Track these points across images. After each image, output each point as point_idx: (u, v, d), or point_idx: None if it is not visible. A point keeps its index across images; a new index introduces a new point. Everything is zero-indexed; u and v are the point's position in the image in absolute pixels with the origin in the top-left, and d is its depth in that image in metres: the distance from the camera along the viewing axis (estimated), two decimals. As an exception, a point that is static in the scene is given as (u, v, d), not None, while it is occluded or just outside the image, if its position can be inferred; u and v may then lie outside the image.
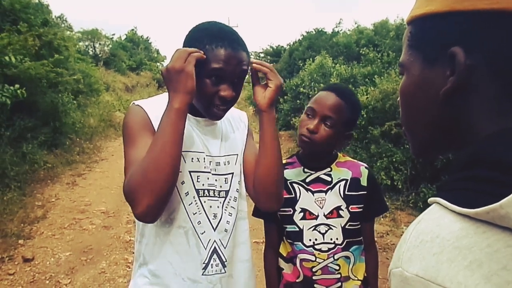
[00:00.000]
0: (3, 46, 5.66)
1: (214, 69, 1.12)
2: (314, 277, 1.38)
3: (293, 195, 1.41)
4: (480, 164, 0.47)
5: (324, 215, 1.38)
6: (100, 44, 19.12)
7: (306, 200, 1.40)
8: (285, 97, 11.10)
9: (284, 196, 1.39)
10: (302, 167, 1.44)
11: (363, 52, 9.82)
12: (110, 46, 19.86)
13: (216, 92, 1.15)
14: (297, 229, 1.39)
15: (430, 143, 0.60)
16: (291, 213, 1.40)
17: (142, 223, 1.22)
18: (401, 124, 0.65)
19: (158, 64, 27.13)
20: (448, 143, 0.58)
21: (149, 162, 1.03)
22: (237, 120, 1.40)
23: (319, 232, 1.38)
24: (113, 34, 21.60)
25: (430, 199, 0.51)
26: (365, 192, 1.41)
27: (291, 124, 9.80)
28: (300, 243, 1.39)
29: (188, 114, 1.19)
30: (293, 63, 13.42)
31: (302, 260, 1.40)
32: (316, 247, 1.37)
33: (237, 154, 1.32)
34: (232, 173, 1.28)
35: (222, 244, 1.24)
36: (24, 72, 6.02)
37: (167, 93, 1.28)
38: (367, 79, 7.93)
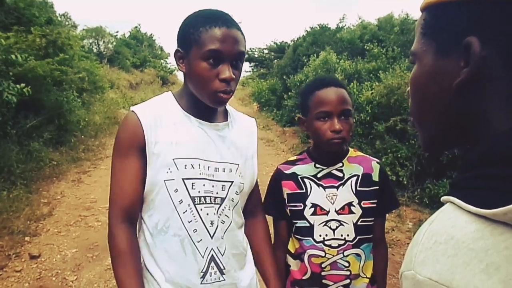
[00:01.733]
0: (9, 46, 5.68)
1: (211, 50, 1.09)
2: (322, 273, 1.37)
3: (304, 190, 1.39)
4: (496, 161, 0.44)
5: (335, 210, 1.37)
6: (104, 41, 19.15)
7: (317, 195, 1.38)
8: (289, 93, 11.09)
9: (295, 191, 1.40)
10: (314, 163, 1.42)
11: (368, 48, 9.76)
12: (114, 43, 19.90)
13: (215, 75, 1.11)
14: (308, 225, 1.38)
15: (439, 136, 0.58)
16: (302, 208, 1.39)
17: (139, 229, 1.24)
18: (410, 115, 0.63)
19: (162, 61, 27.15)
20: (457, 137, 0.56)
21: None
22: (245, 130, 1.35)
23: (330, 228, 1.36)
24: (117, 32, 21.74)
25: (444, 198, 0.49)
26: (377, 187, 1.40)
27: (295, 120, 9.77)
28: (310, 238, 1.38)
29: (187, 114, 1.20)
30: (297, 59, 13.37)
31: (311, 256, 1.39)
32: (326, 243, 1.36)
33: (239, 164, 1.27)
34: (232, 182, 1.24)
35: (220, 252, 1.22)
36: (30, 70, 6.04)
37: (167, 93, 1.28)
38: (371, 75, 7.89)
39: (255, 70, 25.00)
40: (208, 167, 1.19)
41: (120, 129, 1.18)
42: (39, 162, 6.16)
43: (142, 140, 1.13)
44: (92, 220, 4.69)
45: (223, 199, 1.22)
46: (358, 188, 1.38)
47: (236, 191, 1.26)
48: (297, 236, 1.42)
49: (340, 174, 1.39)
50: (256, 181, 1.38)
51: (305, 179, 1.40)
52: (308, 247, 1.39)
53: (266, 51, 22.55)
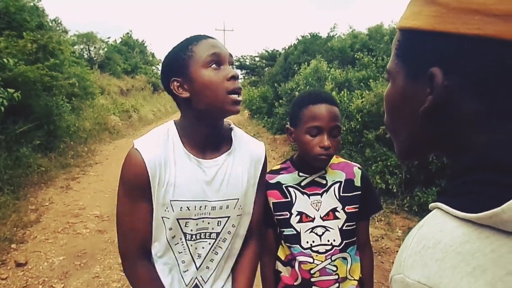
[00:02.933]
0: (-1, 50, 5.64)
1: (209, 55, 1.12)
2: (312, 279, 1.39)
3: (289, 199, 1.41)
4: (482, 168, 0.47)
5: (320, 217, 1.39)
6: (95, 47, 19.06)
7: (302, 203, 1.40)
8: (280, 101, 11.12)
9: (280, 200, 1.42)
10: (297, 171, 1.44)
11: (358, 57, 9.85)
12: (105, 49, 19.81)
13: (222, 78, 1.12)
14: (295, 232, 1.40)
15: (413, 148, 0.61)
16: (288, 216, 1.40)
17: None
18: (385, 127, 0.65)
19: (153, 67, 27.09)
20: (431, 149, 0.59)
21: None
22: (250, 157, 1.30)
23: (316, 234, 1.39)
24: (109, 38, 21.66)
25: (431, 205, 0.50)
26: (360, 192, 1.43)
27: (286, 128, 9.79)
28: (298, 245, 1.39)
29: (190, 154, 1.19)
30: (288, 67, 13.44)
31: (300, 262, 1.40)
32: (314, 249, 1.38)
33: (238, 198, 1.24)
34: (228, 217, 1.24)
35: (203, 280, 1.27)
36: (20, 75, 5.99)
37: (169, 124, 1.25)
38: (362, 83, 7.96)
39: (246, 77, 25.05)
40: (205, 206, 1.19)
41: (125, 167, 1.16)
42: (28, 168, 6.09)
43: (147, 183, 1.13)
44: (81, 227, 4.64)
45: (218, 234, 1.24)
46: (341, 194, 1.41)
47: (233, 224, 1.26)
48: (287, 244, 1.43)
49: (323, 181, 1.42)
50: (262, 207, 1.37)
51: (289, 188, 1.42)
52: (297, 254, 1.40)
53: (257, 59, 22.63)
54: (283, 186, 1.43)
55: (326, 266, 1.39)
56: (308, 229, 1.39)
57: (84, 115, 10.36)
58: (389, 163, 5.53)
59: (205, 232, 1.22)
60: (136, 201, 1.15)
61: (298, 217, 1.40)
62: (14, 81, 5.86)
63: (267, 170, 1.44)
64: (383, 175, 5.55)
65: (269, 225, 1.47)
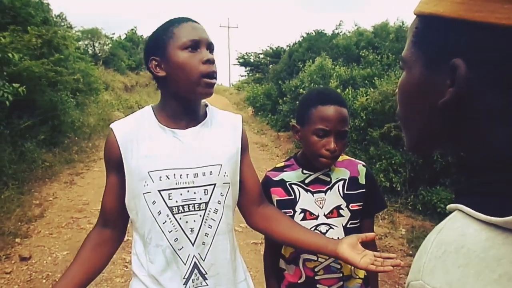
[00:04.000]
0: (4, 45, 5.64)
1: (188, 40, 1.16)
2: (316, 277, 1.38)
3: (293, 196, 1.41)
4: (503, 167, 0.44)
5: (324, 215, 1.38)
6: (100, 43, 19.08)
7: (306, 200, 1.39)
8: (284, 98, 11.10)
9: (284, 198, 1.41)
10: (301, 169, 1.43)
11: (363, 54, 9.81)
12: (110, 45, 19.82)
13: (198, 61, 1.16)
14: None
15: (424, 140, 0.58)
16: (292, 214, 1.39)
17: (133, 239, 1.30)
18: (397, 117, 0.63)
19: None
20: (443, 142, 0.56)
21: None
22: (228, 127, 1.34)
23: (320, 232, 1.37)
24: (113, 34, 21.63)
25: (450, 206, 0.48)
26: (364, 190, 1.42)
27: (290, 125, 9.78)
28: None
29: (162, 126, 1.23)
30: (293, 64, 13.41)
31: (304, 260, 1.40)
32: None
33: (221, 164, 1.25)
34: (214, 184, 1.23)
35: (201, 258, 1.23)
36: (24, 70, 6.01)
37: (147, 106, 1.31)
38: (366, 81, 7.93)
39: (250, 74, 24.99)
40: (187, 174, 1.20)
41: (104, 147, 1.27)
42: (32, 163, 6.11)
43: (118, 157, 1.20)
44: (84, 222, 4.65)
45: (207, 204, 1.23)
46: (345, 192, 1.40)
47: (221, 193, 1.25)
48: None
49: (327, 179, 1.41)
50: (257, 176, 1.40)
51: (293, 185, 1.41)
52: (301, 251, 1.39)
53: (261, 56, 22.54)
54: (287, 183, 1.42)
55: (331, 264, 1.38)
56: (312, 227, 1.38)
57: (89, 110, 10.38)
58: (393, 162, 5.51)
59: (193, 204, 1.21)
60: (109, 174, 1.25)
61: (302, 214, 1.39)
62: (19, 76, 5.88)
63: (270, 169, 1.44)
64: (387, 173, 5.53)
65: None
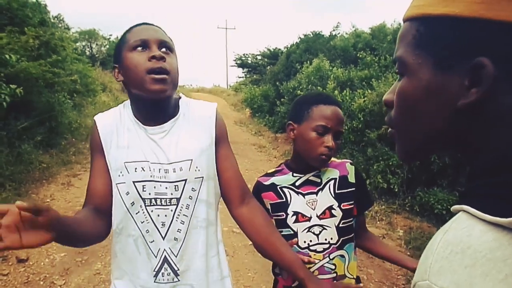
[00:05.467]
0: (1, 46, 5.63)
1: (135, 41, 1.19)
2: None
3: (284, 200, 1.42)
4: (511, 168, 0.44)
5: (317, 216, 1.39)
6: (97, 44, 19.07)
7: (297, 203, 1.40)
8: (282, 99, 11.12)
9: (276, 201, 1.42)
10: (291, 172, 1.45)
11: (361, 56, 9.83)
12: (107, 46, 19.80)
13: (145, 59, 1.17)
14: (292, 232, 1.40)
15: (422, 148, 0.57)
16: (284, 217, 1.41)
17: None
18: (391, 124, 0.61)
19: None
20: (444, 148, 0.56)
21: None
22: (200, 119, 1.31)
23: (313, 233, 1.39)
24: (110, 35, 21.56)
25: (455, 207, 0.48)
26: (354, 189, 1.44)
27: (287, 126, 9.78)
28: (295, 245, 1.39)
29: (136, 121, 1.26)
30: (291, 66, 13.42)
31: None
32: (311, 248, 1.38)
33: (192, 159, 1.24)
34: (185, 180, 1.23)
35: (173, 253, 1.24)
36: (22, 71, 5.99)
37: (126, 101, 1.33)
38: (364, 83, 7.94)
39: (248, 76, 24.99)
40: (159, 169, 1.22)
41: (90, 135, 1.33)
42: (29, 165, 6.09)
43: (100, 144, 1.26)
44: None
45: (178, 199, 1.23)
46: (336, 191, 1.41)
47: (193, 188, 1.25)
48: None
49: (318, 180, 1.42)
50: (238, 169, 1.37)
51: (284, 189, 1.43)
52: (297, 253, 1.40)
53: (259, 57, 22.57)
54: (278, 187, 1.43)
55: (325, 265, 1.39)
56: (305, 229, 1.39)
57: (86, 112, 10.35)
58: (390, 163, 5.52)
59: (165, 198, 1.22)
60: (95, 159, 1.28)
61: (294, 217, 1.40)
62: (16, 77, 5.86)
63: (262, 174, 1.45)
64: (385, 174, 5.54)
65: None
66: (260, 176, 1.51)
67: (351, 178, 1.44)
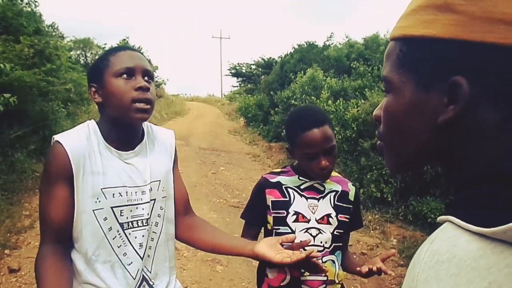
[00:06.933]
0: (-5, 55, 5.62)
1: (121, 68, 1.21)
2: (302, 278, 1.44)
3: (288, 199, 1.48)
4: (494, 180, 0.46)
5: (315, 219, 1.45)
6: (92, 53, 19.04)
7: (300, 204, 1.47)
8: (276, 109, 11.15)
9: (279, 199, 1.48)
10: (297, 176, 1.51)
11: (354, 66, 9.92)
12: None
13: (131, 87, 1.20)
14: (289, 231, 1.45)
15: (410, 161, 0.60)
16: (285, 215, 1.46)
17: (72, 254, 1.25)
18: (380, 139, 0.64)
19: (150, 74, 27.00)
20: (430, 161, 0.58)
21: None
22: (162, 143, 1.42)
23: (311, 234, 1.44)
24: (105, 44, 21.56)
25: (441, 217, 0.50)
26: (351, 207, 1.53)
27: (282, 136, 9.82)
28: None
29: (111, 147, 1.26)
30: (284, 76, 13.48)
31: None
32: (307, 248, 1.40)
33: (160, 180, 1.35)
34: (154, 199, 1.32)
35: (148, 270, 1.30)
36: (16, 80, 5.97)
37: (90, 122, 1.31)
38: (357, 92, 8.01)
39: (242, 85, 25.06)
40: (135, 192, 1.27)
41: (48, 160, 1.22)
42: (22, 173, 6.04)
43: (69, 171, 1.18)
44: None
45: (149, 219, 1.30)
46: (336, 203, 1.49)
47: (161, 206, 1.35)
48: None
49: (321, 188, 1.50)
50: (185, 187, 1.50)
51: (289, 189, 1.49)
52: None
53: (253, 67, 22.65)
54: (283, 186, 1.50)
55: None
56: (303, 229, 1.44)
57: (80, 120, 10.28)
58: (384, 172, 5.55)
59: (141, 220, 1.28)
60: (55, 189, 1.19)
61: (295, 216, 1.46)
62: (10, 85, 5.83)
63: (267, 172, 1.51)
64: (378, 183, 5.57)
65: (255, 223, 1.57)
66: (266, 173, 1.58)
67: (351, 197, 1.54)
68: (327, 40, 14.83)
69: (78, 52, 18.60)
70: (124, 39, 26.11)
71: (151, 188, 1.31)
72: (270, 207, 1.49)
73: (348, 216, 1.51)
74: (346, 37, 13.46)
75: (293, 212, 1.46)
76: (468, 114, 0.50)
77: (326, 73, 10.52)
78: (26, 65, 6.80)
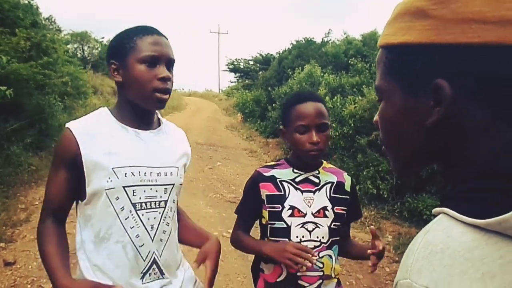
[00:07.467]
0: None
1: (147, 55, 1.19)
2: (298, 273, 1.42)
3: (282, 193, 1.46)
4: (488, 175, 0.47)
5: (312, 213, 1.44)
6: (89, 47, 18.96)
7: (295, 198, 1.45)
8: (273, 104, 11.15)
9: (274, 193, 1.47)
10: (292, 168, 1.50)
11: (352, 62, 9.92)
12: (99, 49, 19.69)
13: (153, 76, 1.20)
14: (285, 226, 1.44)
15: (411, 163, 0.61)
16: (280, 209, 1.44)
17: (80, 230, 1.34)
18: (382, 144, 0.66)
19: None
20: (430, 161, 0.59)
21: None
22: (177, 138, 1.46)
23: (307, 229, 1.43)
24: (103, 37, 21.45)
25: (436, 209, 0.50)
26: (348, 197, 1.51)
27: (279, 131, 9.83)
28: (286, 239, 1.42)
29: (127, 127, 1.27)
30: (282, 71, 13.49)
31: None
32: (303, 243, 1.40)
33: (178, 167, 1.36)
34: (173, 184, 1.33)
35: (159, 254, 1.30)
36: (12, 72, 5.94)
37: (102, 108, 1.34)
38: (355, 89, 8.01)
39: (240, 80, 25.00)
40: (150, 173, 1.26)
41: (57, 143, 1.28)
42: (18, 167, 6.03)
43: (75, 153, 1.20)
44: (71, 227, 4.55)
45: (166, 202, 1.30)
46: (332, 195, 1.48)
47: (176, 193, 1.37)
48: (272, 238, 1.47)
49: (317, 180, 1.48)
50: None
51: (283, 182, 1.48)
52: None
53: (251, 62, 22.61)
54: (277, 180, 1.48)
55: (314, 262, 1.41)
56: (299, 224, 1.43)
57: (77, 114, 10.25)
58: (380, 169, 5.57)
59: (155, 201, 1.28)
60: (58, 171, 1.24)
61: (290, 211, 1.44)
62: (6, 78, 5.80)
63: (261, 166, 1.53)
64: (375, 180, 5.59)
65: (248, 217, 1.57)
66: (260, 167, 1.56)
67: (347, 187, 1.52)
68: (325, 37, 14.84)
69: (76, 46, 18.53)
70: (122, 33, 26.00)
71: (171, 172, 1.32)
72: (265, 201, 1.47)
73: (345, 208, 1.49)
74: (344, 33, 13.46)
75: (289, 206, 1.44)
76: (454, 115, 0.51)
77: (323, 69, 10.52)
78: (22, 58, 6.77)
